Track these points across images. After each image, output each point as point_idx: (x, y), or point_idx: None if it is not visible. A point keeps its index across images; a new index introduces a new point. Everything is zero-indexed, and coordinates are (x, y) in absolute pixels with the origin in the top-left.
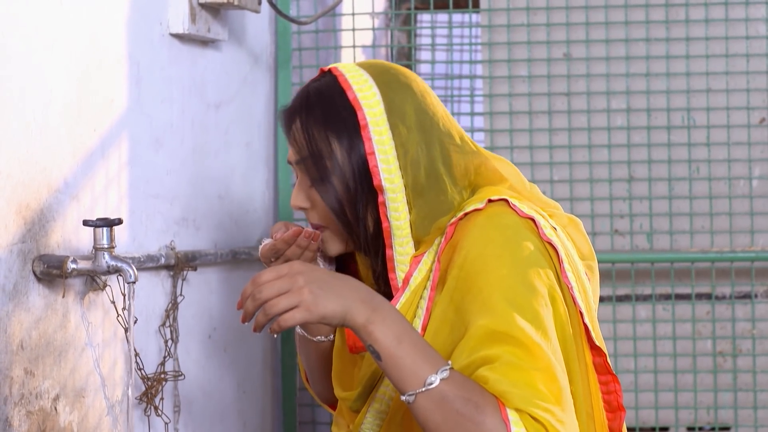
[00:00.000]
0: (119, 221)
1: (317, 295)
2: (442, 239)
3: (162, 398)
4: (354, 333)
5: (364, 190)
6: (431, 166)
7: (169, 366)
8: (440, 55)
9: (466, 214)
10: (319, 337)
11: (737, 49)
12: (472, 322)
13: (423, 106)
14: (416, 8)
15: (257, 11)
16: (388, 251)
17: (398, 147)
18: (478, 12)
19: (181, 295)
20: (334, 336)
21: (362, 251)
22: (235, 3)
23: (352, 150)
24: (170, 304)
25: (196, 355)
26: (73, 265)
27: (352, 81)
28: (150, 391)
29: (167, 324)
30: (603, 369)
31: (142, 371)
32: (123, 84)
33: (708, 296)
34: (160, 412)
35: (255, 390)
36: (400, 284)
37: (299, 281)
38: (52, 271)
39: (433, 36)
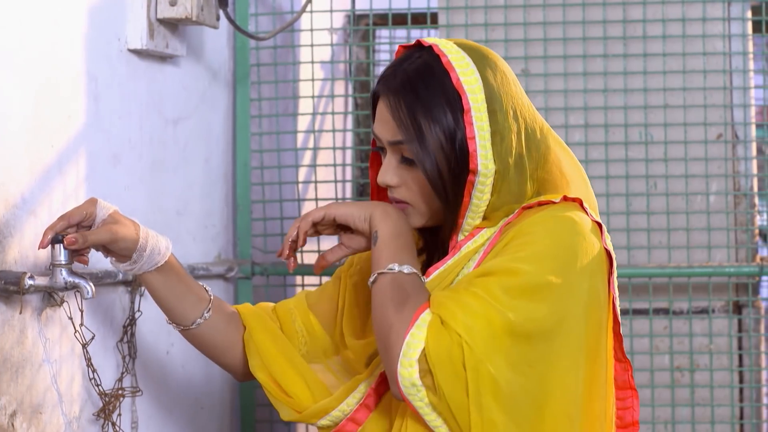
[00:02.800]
0: None
1: (339, 204)
2: (511, 215)
3: (120, 414)
4: (371, 223)
5: (461, 170)
6: (519, 154)
7: (127, 382)
8: None
9: (540, 203)
10: (178, 326)
11: (694, 66)
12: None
13: (514, 94)
14: (375, 24)
15: (216, 27)
16: (459, 220)
17: (494, 134)
18: (436, 28)
19: (138, 310)
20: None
21: (444, 223)
22: (194, 19)
23: (455, 133)
24: (128, 320)
25: (154, 371)
26: (31, 282)
27: (455, 63)
28: (108, 407)
29: (125, 340)
30: (625, 384)
31: (100, 387)
32: (81, 100)
33: (665, 311)
34: (117, 429)
35: (213, 406)
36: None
37: (322, 206)
38: (9, 288)
39: (391, 52)
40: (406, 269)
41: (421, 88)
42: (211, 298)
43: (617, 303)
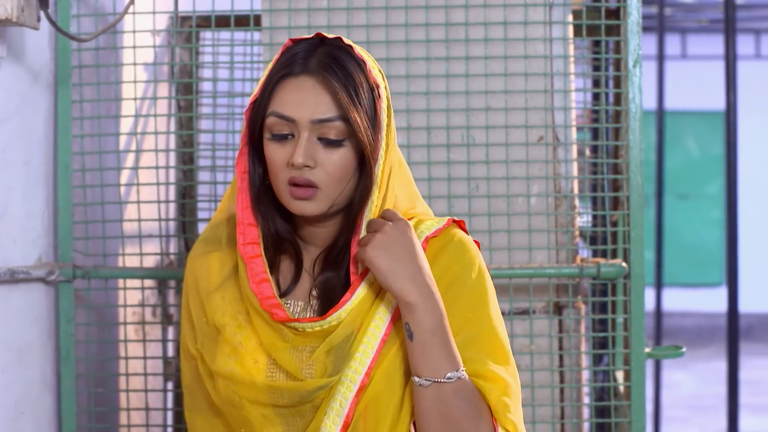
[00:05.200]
0: None
1: (380, 247)
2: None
3: None
4: (398, 305)
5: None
6: (399, 154)
7: None
8: (222, 73)
9: (438, 231)
10: None
11: (516, 69)
12: (466, 327)
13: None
14: (198, 26)
15: (36, 28)
16: (359, 221)
17: (389, 128)
18: (260, 30)
19: None
20: None
21: (345, 214)
22: (14, 20)
23: (374, 118)
24: None
25: None
26: None
27: (366, 57)
28: None
29: None
30: None
31: None
32: None
33: None
34: None
35: (33, 411)
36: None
37: (386, 231)
38: None
39: (215, 54)
40: (462, 372)
41: (348, 70)
42: None
43: None
